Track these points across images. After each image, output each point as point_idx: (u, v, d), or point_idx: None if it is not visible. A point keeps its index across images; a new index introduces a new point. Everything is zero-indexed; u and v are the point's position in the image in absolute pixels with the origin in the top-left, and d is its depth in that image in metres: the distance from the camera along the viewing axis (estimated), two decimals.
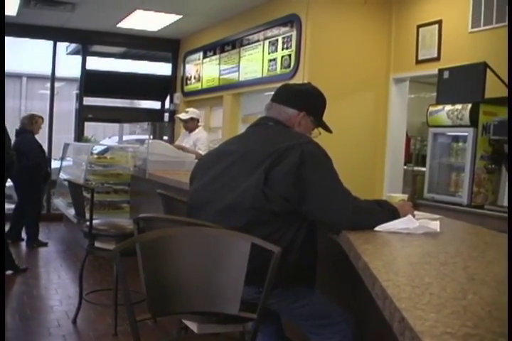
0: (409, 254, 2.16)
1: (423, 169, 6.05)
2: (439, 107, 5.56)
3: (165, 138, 11.39)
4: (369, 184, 7.30)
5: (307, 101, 2.93)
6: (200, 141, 7.69)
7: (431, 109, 5.67)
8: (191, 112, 8.03)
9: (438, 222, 2.60)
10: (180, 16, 9.43)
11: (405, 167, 7.89)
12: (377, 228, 2.51)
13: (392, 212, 2.64)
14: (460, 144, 5.49)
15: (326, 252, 2.84)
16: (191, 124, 7.96)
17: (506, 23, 5.96)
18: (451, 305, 1.39)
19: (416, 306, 1.35)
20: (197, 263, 2.40)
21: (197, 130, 7.96)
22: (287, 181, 2.51)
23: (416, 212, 3.41)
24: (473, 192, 5.19)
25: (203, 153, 6.55)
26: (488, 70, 5.36)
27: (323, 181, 2.57)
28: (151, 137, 11.19)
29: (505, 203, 4.95)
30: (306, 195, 2.51)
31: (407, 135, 8.10)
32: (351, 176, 6.97)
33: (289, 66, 7.74)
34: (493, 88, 5.38)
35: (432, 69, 6.24)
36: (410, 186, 7.28)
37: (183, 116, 8.10)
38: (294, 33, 7.69)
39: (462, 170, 5.35)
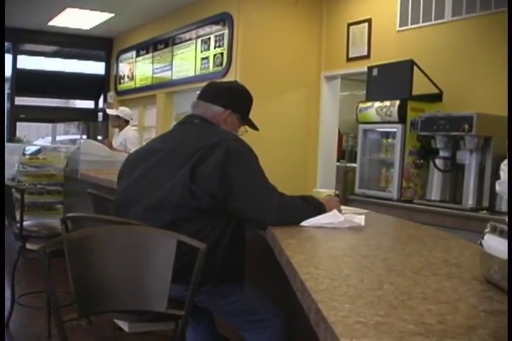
0: (331, 248, 2.20)
1: (355, 165, 6.14)
2: (369, 104, 5.65)
3: (99, 137, 11.28)
4: (302, 181, 7.37)
5: (233, 99, 2.93)
6: (129, 140, 7.67)
7: (360, 105, 5.75)
8: (120, 110, 8.00)
9: (363, 216, 2.64)
10: (113, 15, 9.37)
11: (338, 163, 7.99)
12: (302, 223, 2.54)
13: (318, 207, 2.67)
14: (389, 140, 5.59)
15: (256, 248, 2.85)
16: (117, 122, 7.94)
17: (432, 22, 6.10)
18: (367, 295, 1.43)
19: (332, 297, 1.38)
20: (123, 262, 2.39)
21: (125, 129, 7.92)
22: (213, 178, 2.51)
23: (344, 207, 3.47)
24: (403, 187, 5.29)
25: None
26: (415, 68, 5.46)
27: (248, 178, 2.58)
28: (84, 137, 11.06)
29: (433, 197, 5.06)
30: (232, 192, 2.53)
31: (339, 132, 8.20)
32: (284, 173, 7.10)
33: (221, 64, 7.76)
34: (420, 85, 5.50)
35: (362, 67, 6.34)
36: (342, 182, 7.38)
37: (110, 111, 8.13)
38: (226, 32, 7.72)
39: (392, 165, 5.45)
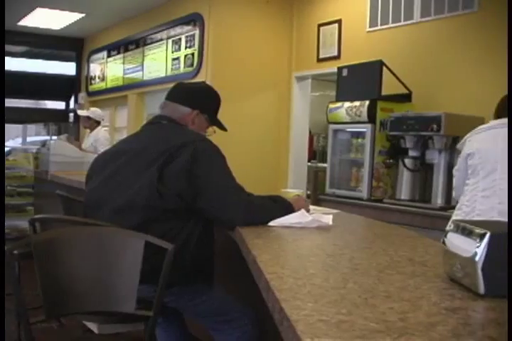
0: (298, 247, 2.21)
1: (326, 165, 6.17)
2: (339, 104, 5.68)
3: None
4: (273, 181, 7.39)
5: (200, 99, 2.94)
6: (99, 141, 7.67)
7: (330, 106, 5.78)
8: (91, 111, 8.02)
9: (331, 216, 2.66)
10: (83, 15, 9.31)
11: (309, 163, 8.02)
12: (270, 223, 2.55)
13: (285, 207, 2.69)
14: (359, 140, 5.62)
15: (226, 249, 2.86)
16: (88, 123, 7.95)
17: (401, 23, 6.15)
18: (330, 294, 1.44)
19: (296, 296, 1.39)
20: (91, 263, 2.38)
21: (96, 130, 7.91)
22: (180, 179, 2.52)
23: (314, 207, 3.49)
24: (373, 186, 5.33)
25: None
26: (384, 68, 5.50)
27: (215, 178, 2.59)
28: (55, 138, 10.98)
29: (403, 196, 5.11)
30: (200, 193, 2.53)
31: (310, 132, 8.24)
32: (255, 173, 7.11)
33: (192, 65, 7.76)
34: (390, 85, 5.54)
35: (333, 67, 6.37)
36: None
37: (81, 112, 8.14)
38: (196, 32, 7.71)
39: (362, 165, 5.48)
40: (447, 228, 1.66)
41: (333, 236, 2.47)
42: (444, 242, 1.62)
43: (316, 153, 8.85)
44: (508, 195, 3.27)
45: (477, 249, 1.43)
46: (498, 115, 3.84)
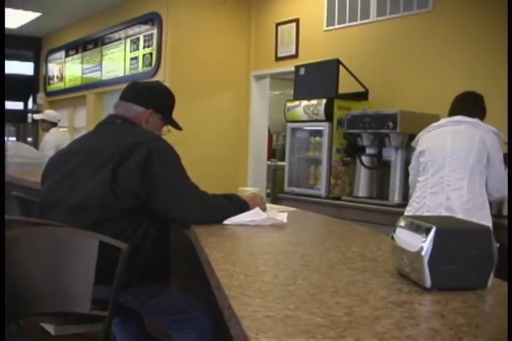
0: (251, 245, 2.22)
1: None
2: (296, 103, 5.70)
3: (29, 139, 11.09)
4: (233, 180, 7.40)
5: (154, 98, 2.93)
6: (46, 142, 7.63)
7: (288, 104, 5.80)
8: (45, 114, 8.04)
9: (285, 214, 2.67)
10: (40, 14, 9.21)
11: (269, 162, 8.04)
12: (225, 221, 2.56)
13: (241, 206, 2.69)
14: (317, 138, 5.65)
15: (182, 248, 2.86)
16: (44, 125, 7.93)
17: (358, 22, 6.20)
18: (279, 290, 1.45)
19: (245, 293, 1.40)
20: (45, 264, 2.37)
21: (49, 132, 7.87)
22: (135, 178, 2.51)
23: (271, 205, 3.51)
24: (331, 184, 5.37)
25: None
26: (341, 67, 5.54)
27: (170, 177, 2.58)
28: (13, 139, 10.86)
29: (361, 194, 5.15)
30: (154, 192, 2.53)
31: (269, 131, 8.26)
32: (215, 172, 7.12)
33: (150, 64, 7.73)
34: (346, 84, 5.58)
35: (291, 66, 6.39)
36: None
37: (36, 116, 8.17)
38: (154, 32, 7.69)
39: (320, 163, 5.51)
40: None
41: (287, 233, 2.49)
42: (392, 238, 1.65)
43: (275, 152, 8.88)
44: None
45: (423, 244, 1.45)
46: (450, 113, 3.92)
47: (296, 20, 7.12)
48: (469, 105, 3.91)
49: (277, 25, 7.40)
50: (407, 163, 4.77)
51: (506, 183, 3.74)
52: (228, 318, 1.32)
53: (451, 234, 1.49)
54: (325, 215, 3.31)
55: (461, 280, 1.49)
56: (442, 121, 3.90)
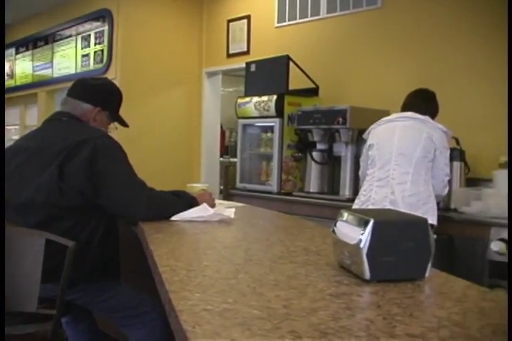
0: (197, 241, 2.23)
1: None
2: (247, 99, 5.71)
3: None
4: (186, 177, 7.38)
5: (103, 96, 2.92)
6: None
7: (239, 101, 5.81)
8: None
9: (233, 209, 2.69)
10: None
11: (222, 159, 8.05)
12: (173, 218, 2.58)
13: (189, 202, 2.71)
14: (268, 134, 5.66)
15: (133, 245, 2.85)
16: None
17: (308, 19, 6.24)
18: (220, 284, 1.46)
19: (185, 288, 1.41)
20: None
21: None
22: (81, 175, 2.51)
23: (222, 201, 3.52)
24: (282, 180, 5.39)
25: None
26: (291, 63, 5.56)
27: (116, 174, 2.58)
28: None
29: (312, 189, 5.17)
30: (101, 188, 2.53)
31: (222, 127, 8.27)
32: (168, 169, 7.11)
33: (101, 61, 7.67)
34: (297, 80, 5.61)
35: (243, 63, 6.38)
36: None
37: None
38: (106, 28, 7.63)
39: (271, 159, 5.52)
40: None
41: (234, 229, 2.50)
42: (333, 231, 1.67)
43: (228, 148, 8.89)
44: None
45: (361, 236, 1.48)
46: (402, 109, 3.98)
47: (248, 17, 7.12)
48: (420, 102, 3.97)
49: (229, 21, 7.39)
50: (357, 158, 4.82)
51: (446, 182, 3.82)
52: (169, 313, 1.33)
53: (388, 226, 1.51)
54: (276, 211, 3.34)
55: (399, 272, 1.52)
56: (393, 116, 3.95)
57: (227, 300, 1.30)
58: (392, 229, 1.51)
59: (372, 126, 4.01)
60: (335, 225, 1.67)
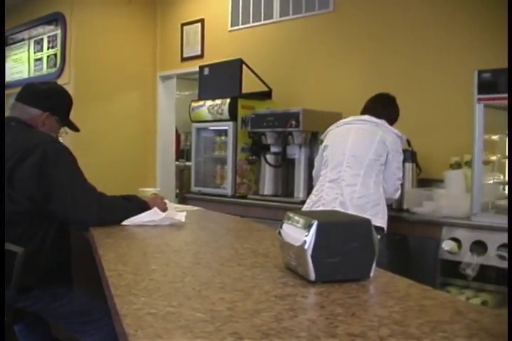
0: (146, 245, 2.23)
1: None
2: (201, 103, 5.71)
3: None
4: (142, 181, 7.34)
5: (51, 101, 2.89)
6: None
7: (193, 104, 5.81)
8: None
9: (184, 213, 2.69)
10: None
11: (177, 162, 8.03)
12: (124, 222, 2.57)
13: (140, 206, 2.70)
14: (222, 138, 5.67)
15: (84, 249, 2.84)
16: None
17: (262, 22, 6.27)
18: (166, 288, 1.47)
19: (131, 292, 1.41)
20: None
21: None
22: (30, 181, 2.49)
23: (177, 205, 3.52)
24: (237, 183, 5.40)
25: None
26: (244, 66, 5.58)
27: (66, 179, 2.57)
28: None
29: (266, 192, 5.19)
30: (50, 194, 2.51)
31: (177, 131, 8.25)
32: (123, 174, 7.07)
33: (55, 65, 7.60)
34: (250, 83, 5.62)
35: (197, 67, 6.38)
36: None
37: None
38: (58, 32, 7.56)
39: (226, 162, 5.53)
40: None
41: (184, 232, 2.51)
42: (279, 233, 1.69)
43: (184, 152, 8.87)
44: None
45: (306, 238, 1.50)
46: (361, 113, 4.03)
47: (201, 21, 7.13)
48: (379, 106, 4.00)
49: (182, 25, 7.39)
50: (310, 160, 4.86)
51: (398, 186, 3.86)
52: (114, 317, 1.33)
53: (332, 227, 1.53)
54: (232, 214, 3.35)
55: (344, 272, 1.54)
56: (350, 118, 3.99)
57: (172, 304, 1.30)
58: (336, 231, 1.53)
59: (329, 128, 4.05)
60: (281, 227, 1.69)
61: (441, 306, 1.35)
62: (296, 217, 1.61)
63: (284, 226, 1.68)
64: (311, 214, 1.62)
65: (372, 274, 1.55)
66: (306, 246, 1.49)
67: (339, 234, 1.53)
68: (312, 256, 1.49)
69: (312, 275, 1.50)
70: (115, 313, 1.28)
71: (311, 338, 1.10)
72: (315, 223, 1.49)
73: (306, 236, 1.50)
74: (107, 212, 2.58)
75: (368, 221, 1.58)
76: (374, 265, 1.56)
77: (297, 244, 1.53)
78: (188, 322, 1.17)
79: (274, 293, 1.43)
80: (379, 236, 1.62)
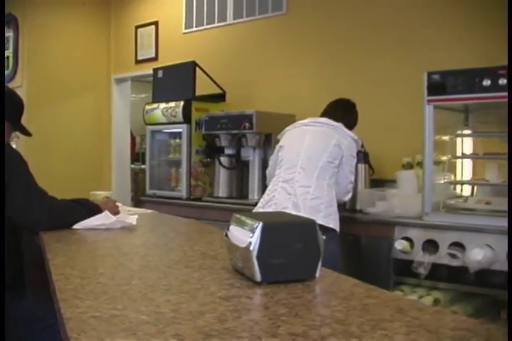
0: (96, 248, 2.23)
1: None
2: (155, 105, 5.71)
3: None
4: (97, 184, 7.29)
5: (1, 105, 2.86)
6: None
7: (147, 107, 5.80)
8: None
9: (135, 216, 2.69)
10: None
11: (133, 165, 8.00)
12: (75, 226, 2.56)
13: (92, 210, 2.69)
14: (177, 140, 5.67)
15: (37, 254, 2.82)
16: None
17: (215, 25, 6.28)
18: (112, 291, 1.47)
19: (77, 296, 1.41)
20: None
21: None
22: None
23: (129, 208, 3.51)
24: (192, 185, 5.40)
25: None
26: (198, 69, 5.58)
27: (17, 183, 2.55)
28: None
29: (221, 194, 5.21)
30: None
31: (132, 134, 8.22)
32: (78, 177, 7.02)
33: (7, 68, 7.49)
34: (204, 85, 5.63)
35: (151, 69, 6.37)
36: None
37: None
38: (11, 34, 7.46)
39: (181, 165, 5.53)
40: None
41: (135, 235, 2.51)
42: (226, 235, 1.70)
43: (139, 155, 8.84)
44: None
45: (251, 239, 1.51)
46: (320, 115, 4.05)
47: (156, 23, 7.12)
48: (338, 111, 4.03)
49: (137, 27, 7.37)
50: (264, 162, 4.89)
51: (349, 189, 3.90)
52: (60, 321, 1.33)
53: (277, 228, 1.55)
54: (186, 217, 3.35)
55: (290, 273, 1.55)
56: (307, 120, 4.01)
57: (117, 307, 1.31)
58: (281, 232, 1.55)
59: (286, 128, 4.07)
60: (228, 229, 1.70)
61: (383, 305, 1.37)
62: (242, 219, 1.63)
63: (231, 228, 1.69)
64: (256, 216, 1.63)
65: (318, 274, 1.57)
66: (251, 248, 1.50)
67: (284, 235, 1.55)
68: (257, 258, 1.50)
69: (258, 277, 1.51)
70: (60, 317, 1.29)
71: (252, 338, 1.11)
72: (260, 225, 1.51)
73: (251, 237, 1.51)
74: (58, 216, 2.56)
75: (313, 222, 1.60)
76: (320, 265, 1.58)
77: (243, 245, 1.55)
78: (131, 325, 1.18)
79: (219, 294, 1.44)
80: (324, 237, 1.64)
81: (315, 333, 1.14)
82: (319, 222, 3.46)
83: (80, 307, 1.30)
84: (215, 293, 1.44)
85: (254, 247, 1.50)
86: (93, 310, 1.28)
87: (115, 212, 2.82)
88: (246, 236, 1.54)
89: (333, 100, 4.15)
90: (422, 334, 1.15)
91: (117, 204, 2.98)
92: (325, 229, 3.52)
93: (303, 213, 3.42)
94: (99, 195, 3.19)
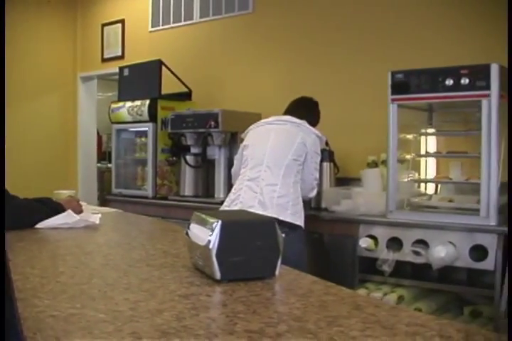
0: (58, 247, 2.22)
1: None
2: (120, 104, 5.69)
3: None
4: (63, 183, 7.24)
5: None
6: None
7: (112, 106, 5.78)
8: None
9: (98, 215, 2.68)
10: None
11: (99, 164, 7.96)
12: (38, 225, 2.54)
13: (54, 209, 2.67)
14: (143, 139, 5.66)
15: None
16: None
17: (182, 23, 6.28)
18: (72, 290, 1.47)
19: (36, 295, 1.41)
20: None
21: None
22: None
23: (94, 207, 3.49)
24: (158, 184, 5.40)
25: None
26: (164, 67, 5.57)
27: None
28: None
29: (187, 193, 5.21)
30: None
31: (98, 133, 8.18)
32: (44, 176, 6.97)
33: None
34: (170, 84, 5.63)
35: (117, 67, 6.34)
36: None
37: None
38: None
39: (146, 164, 5.52)
40: None
41: (97, 234, 2.50)
42: (187, 234, 1.71)
43: (106, 154, 8.80)
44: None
45: (210, 237, 1.52)
46: (283, 114, 4.06)
47: (122, 21, 7.10)
48: (301, 109, 4.05)
49: (103, 25, 7.35)
50: (230, 160, 4.89)
51: (314, 185, 3.92)
52: (19, 322, 1.33)
53: (236, 226, 1.57)
54: (152, 216, 3.35)
55: (249, 271, 1.56)
56: (271, 118, 4.02)
57: (75, 306, 1.31)
58: (240, 230, 1.56)
59: (250, 127, 4.07)
60: (188, 227, 1.71)
61: (341, 301, 1.39)
62: (203, 217, 1.64)
63: (191, 226, 1.70)
64: (216, 214, 1.64)
65: (277, 272, 1.58)
66: (210, 246, 1.51)
67: (243, 233, 1.56)
68: (217, 256, 1.51)
69: (217, 275, 1.52)
70: (18, 317, 1.28)
71: (209, 336, 1.12)
72: (219, 223, 1.52)
73: (211, 235, 1.52)
74: (20, 215, 2.54)
75: (272, 220, 1.61)
76: (279, 263, 1.59)
77: (203, 243, 1.55)
78: (88, 323, 1.18)
79: (178, 292, 1.44)
80: (283, 235, 1.65)
81: (271, 330, 1.15)
82: (287, 219, 3.53)
83: (38, 307, 1.30)
84: (175, 291, 1.45)
85: (214, 245, 1.51)
86: (51, 309, 1.27)
87: (78, 211, 2.80)
88: (205, 234, 1.55)
89: (296, 99, 4.16)
90: (378, 330, 1.17)
91: (81, 203, 2.97)
92: (293, 227, 3.55)
93: (270, 211, 3.44)
94: (62, 193, 3.17)
